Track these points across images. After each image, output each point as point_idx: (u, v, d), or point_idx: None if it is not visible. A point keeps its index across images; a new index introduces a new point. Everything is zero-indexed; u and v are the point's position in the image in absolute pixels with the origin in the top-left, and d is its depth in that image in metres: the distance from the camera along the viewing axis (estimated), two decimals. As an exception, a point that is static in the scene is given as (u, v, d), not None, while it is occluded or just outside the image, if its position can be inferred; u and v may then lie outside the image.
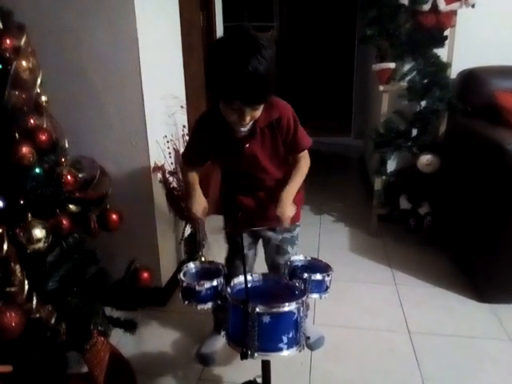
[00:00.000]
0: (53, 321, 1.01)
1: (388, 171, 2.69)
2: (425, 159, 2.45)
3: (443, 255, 2.41)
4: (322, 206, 3.19)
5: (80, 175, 1.38)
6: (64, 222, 1.20)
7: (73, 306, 1.07)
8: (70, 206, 1.35)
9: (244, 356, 1.14)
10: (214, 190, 2.15)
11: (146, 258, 1.61)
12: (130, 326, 1.45)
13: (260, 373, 1.43)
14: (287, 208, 1.39)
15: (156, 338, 1.80)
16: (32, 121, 1.26)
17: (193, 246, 2.12)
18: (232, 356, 1.67)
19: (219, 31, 2.87)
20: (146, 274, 1.46)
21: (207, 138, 1.39)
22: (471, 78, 2.43)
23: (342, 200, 3.36)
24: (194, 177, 1.51)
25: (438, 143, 2.51)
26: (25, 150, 1.07)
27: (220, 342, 1.72)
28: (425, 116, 2.47)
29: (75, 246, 1.25)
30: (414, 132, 2.54)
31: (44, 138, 1.16)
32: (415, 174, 2.52)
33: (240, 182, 1.50)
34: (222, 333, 1.25)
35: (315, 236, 2.71)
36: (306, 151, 1.47)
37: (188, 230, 2.14)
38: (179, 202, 1.98)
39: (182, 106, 2.00)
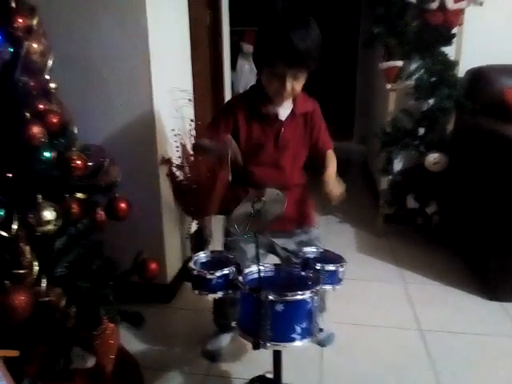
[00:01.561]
0: (62, 304, 0.98)
1: (394, 170, 2.67)
2: (432, 158, 2.43)
3: (451, 254, 2.38)
4: (326, 207, 3.16)
5: (89, 163, 1.36)
6: (74, 206, 1.17)
7: (83, 291, 1.04)
8: (79, 194, 1.32)
9: (256, 346, 1.11)
10: (220, 191, 2.13)
11: (151, 254, 1.56)
12: (136, 320, 1.42)
13: (269, 369, 1.40)
14: (334, 185, 1.37)
15: (162, 335, 1.76)
16: (42, 106, 1.24)
17: (199, 243, 2.09)
18: (240, 351, 1.64)
19: (225, 31, 2.86)
20: (153, 265, 1.43)
21: (243, 116, 1.36)
22: (479, 76, 2.42)
23: (346, 202, 3.29)
24: None
25: (445, 142, 2.49)
26: (36, 129, 1.05)
27: (225, 339, 1.68)
28: (432, 114, 2.46)
29: (84, 233, 1.21)
30: (421, 131, 2.53)
31: (55, 120, 1.14)
32: (422, 172, 2.50)
33: (258, 177, 1.43)
34: (233, 323, 1.21)
35: (321, 237, 2.67)
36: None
37: (194, 226, 2.11)
38: (186, 196, 1.95)
39: (189, 100, 1.98)
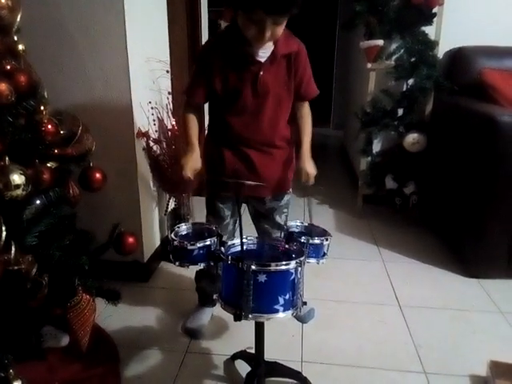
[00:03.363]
0: (33, 272, 0.91)
1: (374, 151, 2.67)
2: (411, 138, 2.44)
3: (429, 233, 2.41)
4: (305, 189, 3.14)
5: (61, 131, 1.28)
6: (44, 173, 1.10)
7: (55, 259, 0.97)
8: (50, 163, 1.25)
9: (238, 318, 1.08)
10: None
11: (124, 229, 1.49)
12: (112, 297, 1.36)
13: (250, 345, 1.37)
14: (309, 164, 1.35)
15: (139, 313, 1.70)
16: (8, 66, 1.15)
17: (177, 221, 2.03)
18: (221, 328, 1.61)
19: (203, 5, 2.77)
20: (131, 239, 1.36)
21: (217, 63, 1.26)
22: (458, 56, 2.43)
23: (325, 184, 3.31)
24: (194, 124, 1.37)
25: (424, 122, 2.50)
26: (2, 86, 0.97)
27: (207, 315, 1.65)
28: (412, 95, 2.46)
29: (55, 203, 1.14)
30: (401, 111, 2.53)
31: (23, 79, 1.06)
32: (401, 153, 2.51)
33: (237, 130, 1.34)
34: (215, 296, 1.17)
35: (300, 218, 2.65)
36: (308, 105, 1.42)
37: (172, 204, 2.05)
38: (164, 172, 1.88)
39: (167, 71, 1.90)
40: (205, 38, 2.82)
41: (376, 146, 2.70)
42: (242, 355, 1.43)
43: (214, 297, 1.17)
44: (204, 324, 1.61)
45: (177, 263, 1.21)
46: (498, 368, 1.29)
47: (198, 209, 2.54)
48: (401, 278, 1.98)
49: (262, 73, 1.26)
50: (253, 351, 1.31)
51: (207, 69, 1.29)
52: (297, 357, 1.47)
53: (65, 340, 1.35)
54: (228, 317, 1.09)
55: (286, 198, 1.52)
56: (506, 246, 1.90)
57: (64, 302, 1.02)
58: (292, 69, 1.30)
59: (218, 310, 1.64)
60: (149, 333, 1.60)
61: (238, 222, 1.15)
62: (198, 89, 1.33)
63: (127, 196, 1.78)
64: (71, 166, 1.31)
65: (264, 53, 1.25)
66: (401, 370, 1.42)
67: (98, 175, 1.32)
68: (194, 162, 1.32)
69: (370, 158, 2.66)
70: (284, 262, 1.07)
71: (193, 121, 1.37)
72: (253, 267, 1.05)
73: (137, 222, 1.82)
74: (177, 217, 2.04)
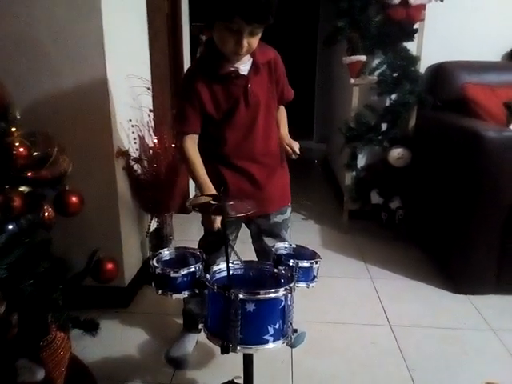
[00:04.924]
0: (2, 310, 0.84)
1: (358, 166, 2.65)
2: (396, 153, 2.43)
3: (416, 249, 2.38)
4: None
5: (35, 153, 1.22)
6: (15, 199, 1.02)
7: (26, 295, 0.90)
8: (22, 188, 1.17)
9: (225, 350, 1.02)
10: (180, 186, 2.02)
11: (107, 254, 1.40)
12: (90, 327, 1.28)
13: (238, 373, 1.31)
14: (290, 139, 1.39)
15: (120, 342, 1.62)
16: (-24, 85, 1.08)
17: (159, 242, 1.96)
18: (206, 356, 1.53)
19: (185, 21, 2.74)
20: (110, 266, 1.30)
21: (204, 89, 1.24)
22: (440, 72, 2.45)
23: (309, 199, 3.29)
24: (198, 158, 1.29)
25: (408, 137, 2.50)
26: (-32, 108, 0.90)
27: (191, 342, 1.57)
28: (395, 109, 2.46)
29: (28, 230, 1.06)
30: (384, 126, 2.52)
31: (-9, 99, 0.99)
32: (386, 168, 2.49)
33: (234, 145, 1.31)
34: (200, 325, 1.11)
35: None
36: None
37: (154, 224, 1.98)
38: (145, 191, 1.82)
39: (148, 88, 1.85)
40: (187, 53, 2.78)
41: (361, 161, 2.68)
42: (230, 385, 1.36)
43: (200, 326, 1.10)
44: (188, 352, 1.53)
45: (159, 292, 1.14)
46: (494, 391, 1.25)
47: (181, 227, 2.48)
48: (390, 296, 1.94)
49: (250, 85, 1.25)
50: (241, 381, 1.25)
51: (195, 98, 1.25)
52: (287, 385, 1.41)
53: (40, 373, 1.26)
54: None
55: (289, 210, 1.50)
56: (494, 261, 1.88)
57: (36, 340, 0.93)
58: (273, 76, 1.33)
59: (203, 336, 1.56)
60: (130, 364, 1.51)
61: (227, 243, 1.08)
62: (192, 119, 1.27)
63: (107, 218, 1.70)
64: (45, 189, 1.24)
65: (245, 66, 1.26)
66: (395, 395, 1.37)
67: (74, 199, 1.25)
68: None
69: (354, 173, 2.65)
70: (273, 290, 1.02)
71: (196, 154, 1.30)
72: (241, 296, 0.99)
73: (117, 245, 1.74)
74: (159, 237, 1.97)
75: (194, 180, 1.32)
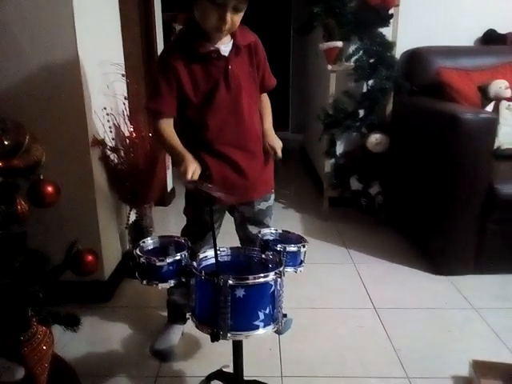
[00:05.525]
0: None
1: (337, 153, 2.65)
2: (374, 138, 2.44)
3: (397, 233, 2.41)
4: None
5: (5, 142, 1.15)
6: (-14, 189, 0.96)
7: (4, 287, 0.84)
8: (-8, 178, 1.11)
9: (215, 337, 0.99)
10: (160, 176, 1.97)
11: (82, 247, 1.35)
12: (71, 322, 1.22)
13: (225, 362, 1.30)
14: (275, 138, 1.36)
15: (102, 337, 1.57)
16: None
17: (139, 234, 1.90)
18: (193, 347, 1.50)
19: (157, 8, 2.66)
20: (90, 257, 1.24)
21: (182, 68, 1.19)
22: (415, 57, 2.47)
23: (288, 188, 3.27)
24: (173, 134, 1.24)
25: (385, 122, 2.51)
26: None
27: (177, 334, 1.54)
28: (372, 95, 2.46)
29: (1, 221, 1.00)
30: (362, 113, 2.53)
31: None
32: (365, 154, 2.50)
33: (216, 131, 1.26)
34: (188, 315, 1.08)
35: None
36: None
37: (133, 216, 1.92)
38: (123, 182, 1.76)
39: (122, 75, 1.78)
40: (160, 40, 2.71)
41: (339, 148, 2.69)
42: (218, 375, 1.33)
43: (187, 316, 1.07)
44: (174, 344, 1.49)
45: (144, 282, 1.10)
46: (481, 367, 1.27)
47: (160, 219, 2.43)
48: (373, 280, 1.96)
49: (230, 66, 1.22)
50: (229, 370, 1.23)
51: (172, 75, 1.20)
52: (276, 372, 1.39)
53: (20, 372, 1.21)
54: (200, 333, 1.00)
55: (272, 197, 1.47)
56: (472, 242, 1.92)
57: (16, 335, 0.88)
58: (254, 60, 1.30)
59: (188, 327, 1.53)
60: (114, 359, 1.46)
61: (214, 229, 1.06)
62: (166, 97, 1.21)
63: (84, 210, 1.64)
64: (18, 179, 1.17)
65: (226, 47, 1.22)
66: (384, 376, 1.37)
67: (49, 189, 1.18)
68: (192, 163, 1.16)
69: (333, 160, 2.65)
70: (262, 274, 1.00)
71: (171, 131, 1.24)
72: (230, 282, 0.96)
73: (95, 238, 1.68)
74: (138, 229, 1.92)
75: (171, 153, 1.25)
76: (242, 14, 1.16)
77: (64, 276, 1.23)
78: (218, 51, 1.20)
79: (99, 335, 1.58)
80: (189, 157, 1.18)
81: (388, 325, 1.63)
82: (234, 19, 1.14)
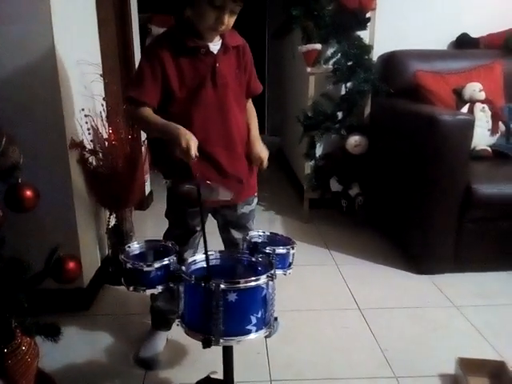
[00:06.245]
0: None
1: (317, 155, 2.66)
2: (353, 140, 2.46)
3: (377, 233, 2.43)
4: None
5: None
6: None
7: (-17, 298, 0.79)
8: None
9: (207, 344, 0.97)
10: (140, 178, 1.92)
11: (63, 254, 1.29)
12: (51, 332, 1.17)
13: (213, 368, 1.27)
14: (261, 147, 1.33)
15: (84, 347, 1.51)
16: None
17: (119, 239, 1.85)
18: (178, 353, 1.47)
19: (133, 7, 2.61)
20: (72, 264, 1.19)
21: (169, 59, 1.17)
22: (392, 60, 2.51)
23: (267, 191, 3.27)
24: (156, 115, 1.19)
25: (364, 124, 2.54)
26: None
27: (162, 341, 1.50)
28: (351, 98, 2.49)
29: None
30: (341, 115, 2.55)
31: None
32: (344, 156, 2.52)
33: (200, 127, 1.22)
34: (177, 321, 1.05)
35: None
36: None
37: (113, 220, 1.86)
38: (102, 185, 1.70)
39: (100, 75, 1.73)
40: (136, 41, 2.66)
41: (319, 150, 2.70)
42: (207, 382, 1.30)
43: (176, 323, 1.04)
44: (159, 351, 1.45)
45: (131, 288, 1.07)
46: (467, 365, 1.29)
47: (139, 223, 2.37)
48: (356, 280, 1.97)
49: (218, 64, 1.21)
50: (218, 376, 1.20)
51: (158, 65, 1.17)
52: (265, 376, 1.37)
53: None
54: (186, 339, 0.98)
55: (255, 200, 1.45)
56: (451, 241, 1.95)
57: (0, 347, 0.83)
58: (241, 62, 1.30)
59: (173, 333, 1.50)
60: (97, 369, 1.41)
61: (204, 233, 1.04)
62: (149, 87, 1.18)
63: (61, 214, 1.58)
64: (-6, 183, 1.12)
65: (215, 45, 1.22)
66: (372, 376, 1.37)
67: (28, 193, 1.13)
68: (191, 137, 1.11)
69: (313, 162, 2.65)
70: (254, 278, 0.98)
71: (151, 113, 1.20)
72: (222, 286, 0.94)
73: (74, 243, 1.62)
74: (119, 234, 1.86)
75: (162, 131, 1.19)
76: (235, 17, 1.18)
77: (42, 284, 1.18)
78: (207, 47, 1.20)
79: (80, 344, 1.52)
80: (184, 130, 1.13)
81: (373, 325, 1.64)
82: (230, 21, 1.17)
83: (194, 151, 1.10)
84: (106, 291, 1.84)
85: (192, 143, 1.10)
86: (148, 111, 1.20)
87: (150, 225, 2.57)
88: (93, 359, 1.45)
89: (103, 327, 1.62)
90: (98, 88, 1.83)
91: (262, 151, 1.33)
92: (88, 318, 1.67)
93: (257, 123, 1.39)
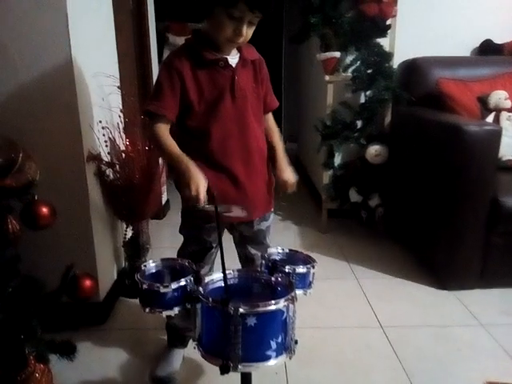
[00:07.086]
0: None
1: (335, 164, 2.61)
2: (373, 150, 2.41)
3: (398, 246, 2.37)
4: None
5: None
6: (-23, 213, 0.89)
7: (-3, 324, 0.77)
8: (-17, 199, 1.04)
9: (225, 370, 0.93)
10: (156, 191, 1.89)
11: (79, 268, 1.25)
12: (67, 350, 1.15)
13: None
14: (289, 172, 1.31)
15: (98, 363, 1.48)
16: None
17: (135, 251, 1.83)
18: (195, 372, 1.43)
19: (151, 17, 2.61)
20: (88, 282, 1.18)
21: (188, 72, 1.16)
22: (413, 67, 2.44)
23: (284, 200, 3.22)
24: (172, 140, 1.17)
25: (384, 133, 2.48)
26: None
27: (178, 359, 1.46)
28: (371, 106, 2.43)
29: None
30: (360, 123, 2.50)
31: None
32: (364, 165, 2.47)
33: (219, 141, 1.20)
34: (193, 344, 1.01)
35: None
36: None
37: (129, 232, 1.85)
38: (119, 198, 1.69)
39: (118, 87, 1.72)
40: (154, 49, 2.65)
41: (337, 159, 2.64)
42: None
43: (193, 345, 1.01)
44: (176, 370, 1.42)
45: (147, 310, 1.04)
46: (497, 390, 1.22)
47: (156, 233, 2.35)
48: (377, 296, 1.91)
49: (236, 77, 1.20)
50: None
51: (177, 77, 1.16)
52: (284, 399, 1.33)
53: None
54: (202, 358, 0.94)
55: (272, 216, 1.41)
56: (478, 255, 1.88)
57: (13, 375, 0.81)
58: (258, 76, 1.28)
59: (189, 351, 1.46)
60: (112, 386, 1.39)
61: (222, 252, 1.00)
62: (168, 100, 1.16)
63: (78, 228, 1.56)
64: (11, 200, 1.10)
65: (233, 58, 1.21)
66: (396, 401, 1.32)
67: (44, 210, 1.12)
68: (201, 181, 1.08)
69: (332, 172, 2.60)
70: (274, 301, 0.94)
71: (170, 137, 1.18)
72: (241, 310, 0.90)
73: (90, 257, 1.60)
74: (135, 246, 1.84)
75: (171, 160, 1.16)
76: (254, 28, 1.16)
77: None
78: (225, 60, 1.19)
79: (95, 361, 1.49)
80: (194, 172, 1.09)
81: (396, 344, 1.58)
82: (248, 32, 1.15)
83: (202, 197, 1.06)
84: (121, 304, 1.82)
85: (201, 189, 1.07)
86: (164, 129, 1.17)
87: (167, 234, 2.55)
88: (108, 376, 1.43)
89: (118, 342, 1.60)
90: (116, 99, 1.82)
91: (290, 178, 1.30)
92: (103, 332, 1.65)
93: (281, 145, 1.36)
